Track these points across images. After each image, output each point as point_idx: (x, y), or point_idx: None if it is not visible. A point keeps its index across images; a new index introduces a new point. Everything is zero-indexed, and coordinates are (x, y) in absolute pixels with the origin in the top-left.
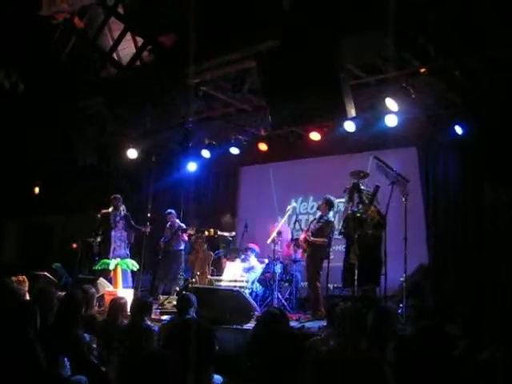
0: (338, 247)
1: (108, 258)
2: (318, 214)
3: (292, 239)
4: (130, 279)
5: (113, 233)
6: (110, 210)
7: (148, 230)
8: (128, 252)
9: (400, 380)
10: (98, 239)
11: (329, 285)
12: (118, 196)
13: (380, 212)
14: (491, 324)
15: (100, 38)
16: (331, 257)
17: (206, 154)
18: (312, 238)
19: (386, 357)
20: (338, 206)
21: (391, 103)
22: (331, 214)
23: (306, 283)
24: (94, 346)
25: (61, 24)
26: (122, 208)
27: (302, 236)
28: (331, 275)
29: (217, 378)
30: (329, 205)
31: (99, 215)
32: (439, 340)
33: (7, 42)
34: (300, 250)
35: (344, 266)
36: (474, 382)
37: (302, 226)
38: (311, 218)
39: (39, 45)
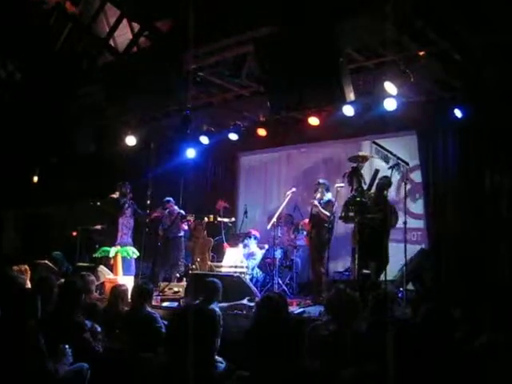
0: (339, 231)
1: (109, 246)
2: (317, 198)
3: (292, 224)
4: (132, 267)
5: (120, 220)
6: (116, 195)
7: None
8: (131, 240)
9: (401, 362)
10: (101, 226)
11: (330, 269)
12: (127, 182)
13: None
14: (491, 308)
15: (96, 24)
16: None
17: (204, 140)
18: (320, 208)
19: (386, 340)
20: (337, 191)
21: (390, 87)
22: (330, 194)
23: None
24: (99, 330)
25: (53, 8)
26: (130, 195)
27: (311, 203)
28: (332, 259)
29: (219, 360)
30: (325, 187)
31: (107, 201)
32: (441, 322)
33: (2, 31)
34: (300, 235)
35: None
36: (472, 366)
37: (302, 211)
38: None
39: (35, 33)
